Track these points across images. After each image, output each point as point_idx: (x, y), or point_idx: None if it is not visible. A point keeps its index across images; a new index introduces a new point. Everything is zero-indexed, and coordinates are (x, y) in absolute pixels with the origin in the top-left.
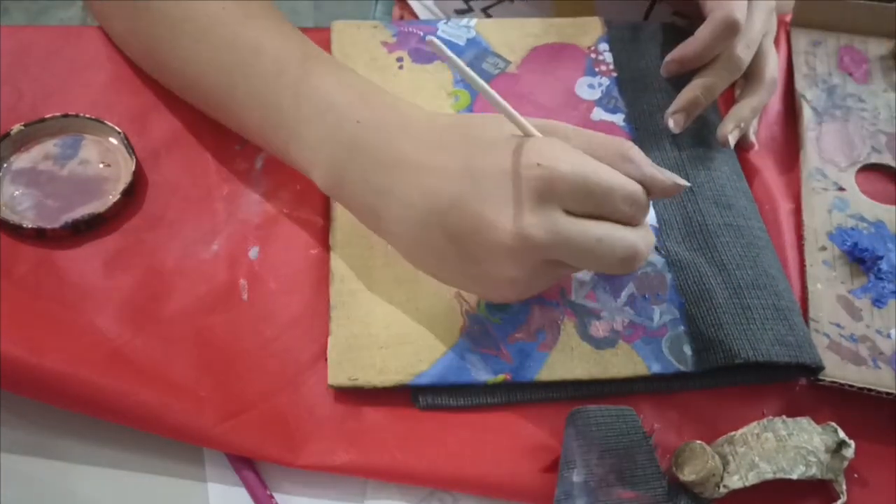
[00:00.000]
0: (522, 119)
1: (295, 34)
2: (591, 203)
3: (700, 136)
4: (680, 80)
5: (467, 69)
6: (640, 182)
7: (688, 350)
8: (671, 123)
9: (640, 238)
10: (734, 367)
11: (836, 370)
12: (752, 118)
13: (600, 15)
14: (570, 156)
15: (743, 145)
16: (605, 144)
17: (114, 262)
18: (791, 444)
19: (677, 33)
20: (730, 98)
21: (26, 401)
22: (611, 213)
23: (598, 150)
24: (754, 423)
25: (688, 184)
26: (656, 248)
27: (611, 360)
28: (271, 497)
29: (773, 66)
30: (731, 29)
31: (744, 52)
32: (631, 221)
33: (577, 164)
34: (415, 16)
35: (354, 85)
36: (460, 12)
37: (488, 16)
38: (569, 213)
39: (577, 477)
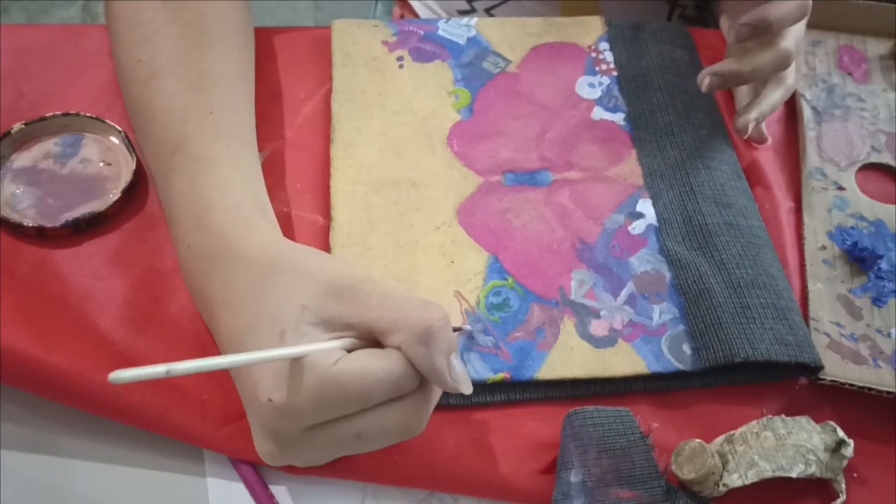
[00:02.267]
0: (267, 354)
1: (185, 106)
2: (346, 408)
3: (700, 136)
4: (680, 81)
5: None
6: (426, 373)
7: (687, 349)
8: (705, 82)
9: (411, 411)
10: (734, 366)
11: (836, 369)
12: (768, 114)
13: (605, 15)
14: (309, 384)
15: (756, 138)
16: (406, 320)
17: (114, 261)
18: (790, 443)
19: (678, 33)
20: (728, 95)
21: (26, 397)
22: (376, 404)
23: (397, 324)
24: (754, 422)
25: (469, 391)
26: (657, 249)
27: (610, 359)
28: (271, 497)
29: (794, 72)
30: (787, 60)
31: (793, 48)
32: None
33: (313, 392)
34: (415, 15)
35: (201, 193)
36: (463, 13)
37: (491, 16)
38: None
39: (574, 477)
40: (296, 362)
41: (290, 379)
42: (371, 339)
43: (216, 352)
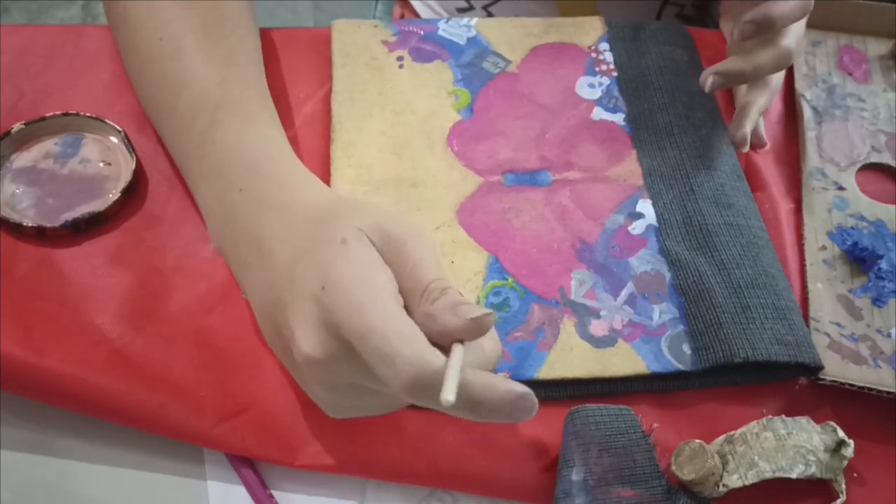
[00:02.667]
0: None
1: (221, 75)
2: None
3: (700, 136)
4: (680, 81)
5: None
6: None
7: (687, 349)
8: (708, 82)
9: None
10: (733, 366)
11: (837, 369)
12: (758, 119)
13: (602, 15)
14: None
15: (756, 144)
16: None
17: (114, 260)
18: (790, 444)
19: (678, 33)
20: (728, 95)
21: (26, 399)
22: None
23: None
24: (754, 423)
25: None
26: (658, 249)
27: (610, 359)
28: (271, 497)
29: (781, 74)
30: (788, 58)
31: (794, 46)
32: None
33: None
34: (416, 15)
35: (253, 147)
36: (462, 10)
37: (489, 14)
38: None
39: (575, 475)
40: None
41: (360, 277)
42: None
43: (215, 351)
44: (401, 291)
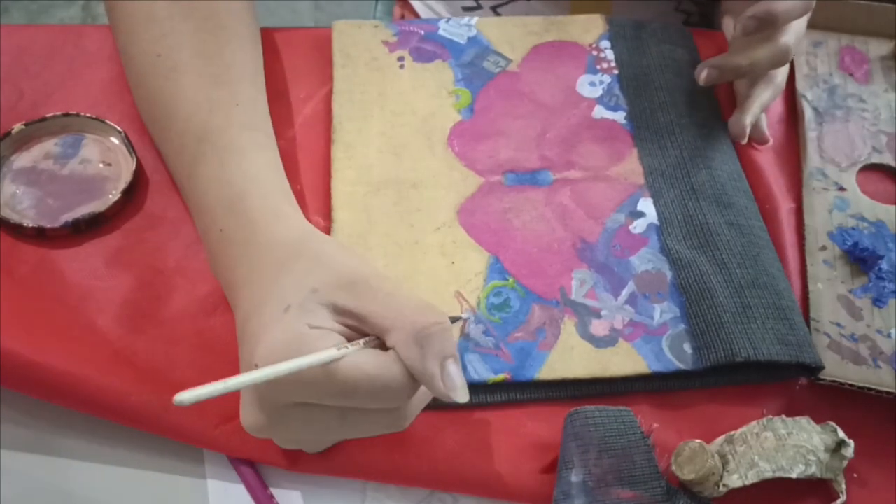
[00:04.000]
0: (290, 366)
1: (209, 100)
2: (332, 397)
3: (700, 135)
4: (681, 80)
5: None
6: (416, 374)
7: (688, 349)
8: (703, 74)
9: (397, 410)
10: (734, 365)
11: (837, 369)
12: (759, 115)
13: (617, 15)
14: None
15: (757, 139)
16: (404, 319)
17: (114, 261)
18: (790, 444)
19: (678, 32)
20: (727, 88)
21: (26, 398)
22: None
23: (396, 322)
24: (754, 423)
25: (463, 399)
26: (659, 249)
27: (611, 359)
28: (272, 497)
29: (785, 71)
30: (786, 55)
31: (793, 44)
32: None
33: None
34: (416, 15)
35: (233, 181)
36: (468, 9)
37: (497, 14)
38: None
39: (575, 477)
40: (293, 340)
41: (284, 354)
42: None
43: (216, 352)
44: (375, 327)
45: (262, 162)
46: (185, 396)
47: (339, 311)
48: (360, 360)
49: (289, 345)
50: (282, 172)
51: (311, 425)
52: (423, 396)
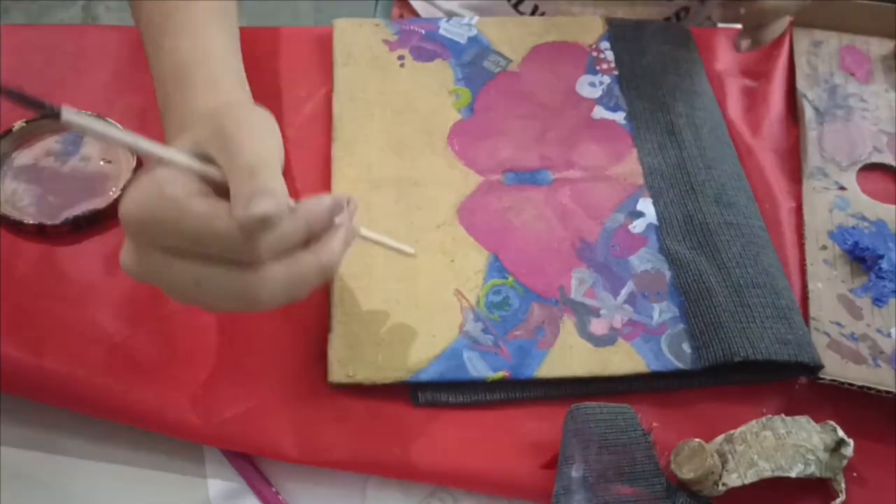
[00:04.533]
0: (151, 146)
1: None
2: (179, 238)
3: (700, 135)
4: (681, 80)
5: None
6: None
7: (687, 348)
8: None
9: (244, 279)
10: (733, 365)
11: (837, 369)
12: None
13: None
14: (146, 193)
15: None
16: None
17: (114, 258)
18: (790, 443)
19: (679, 32)
20: (727, 88)
21: (26, 399)
22: (216, 254)
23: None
24: (753, 422)
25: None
26: (658, 249)
27: (610, 358)
28: (277, 494)
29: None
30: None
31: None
32: (243, 261)
33: (143, 204)
34: (414, 15)
35: (184, 52)
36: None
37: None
38: (170, 250)
39: (575, 472)
40: (156, 174)
41: (144, 186)
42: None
43: (215, 349)
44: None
45: (218, 39)
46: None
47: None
48: (208, 203)
49: (150, 174)
50: (236, 52)
51: (169, 277)
52: (274, 274)
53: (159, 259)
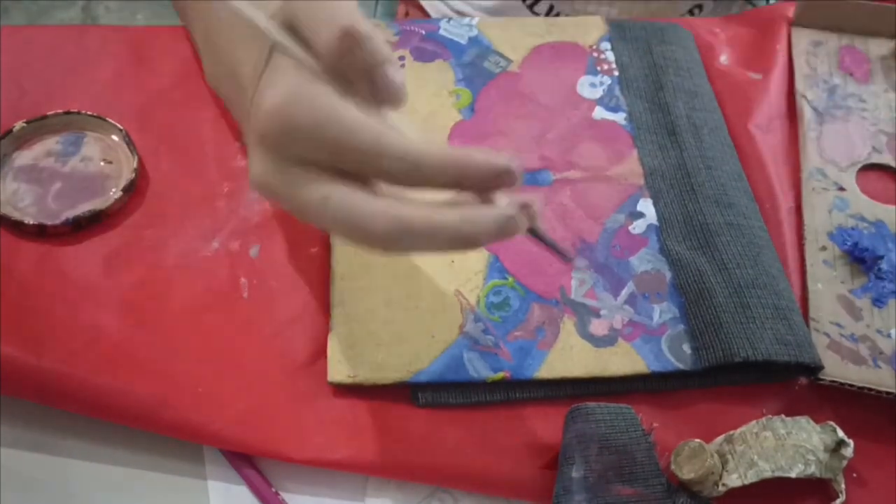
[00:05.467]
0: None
1: None
2: (325, 152)
3: (700, 136)
4: (681, 80)
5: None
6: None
7: (687, 349)
8: None
9: (374, 203)
10: (733, 365)
11: (836, 369)
12: None
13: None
14: (297, 100)
15: None
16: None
17: (115, 259)
18: (790, 443)
19: (679, 32)
20: (727, 89)
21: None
22: (352, 168)
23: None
24: (753, 422)
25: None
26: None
27: (610, 359)
28: (277, 494)
29: None
30: None
31: None
32: (400, 182)
33: (294, 112)
34: (423, 13)
35: None
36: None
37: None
38: (305, 161)
39: (575, 473)
40: (298, 83)
41: (296, 96)
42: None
43: (215, 349)
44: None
45: None
46: None
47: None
48: (358, 115)
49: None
50: None
51: (298, 189)
52: (404, 209)
53: (295, 172)
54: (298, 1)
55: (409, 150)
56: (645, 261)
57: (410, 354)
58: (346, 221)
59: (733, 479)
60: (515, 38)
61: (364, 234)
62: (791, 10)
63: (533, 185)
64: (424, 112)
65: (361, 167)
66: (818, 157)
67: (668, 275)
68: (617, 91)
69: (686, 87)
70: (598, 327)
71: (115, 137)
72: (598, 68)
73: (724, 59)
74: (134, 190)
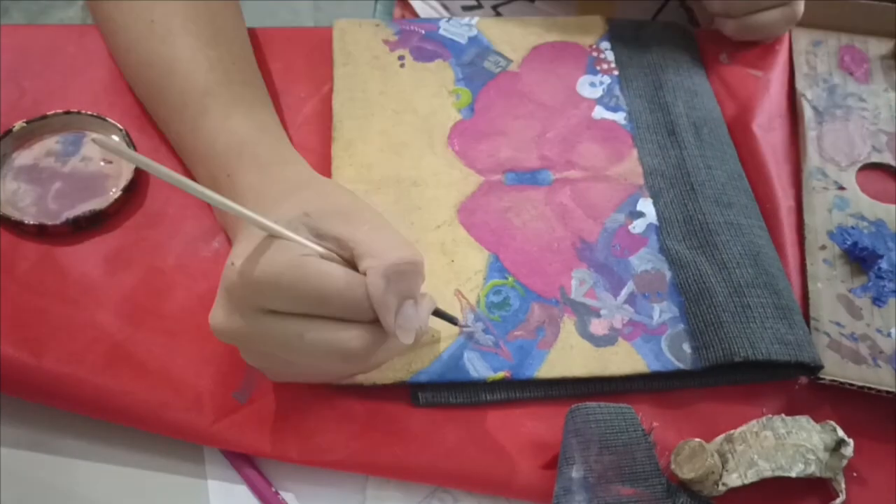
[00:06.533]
0: (258, 218)
1: (208, 58)
2: (298, 302)
3: (700, 135)
4: (681, 80)
5: (173, 176)
6: (375, 304)
7: (687, 348)
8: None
9: (358, 337)
10: (733, 365)
11: (836, 369)
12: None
13: (622, 15)
14: (274, 260)
15: None
16: (381, 251)
17: (115, 258)
18: (790, 443)
19: (679, 32)
20: (727, 89)
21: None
22: (328, 314)
23: (372, 251)
24: (753, 422)
25: (408, 341)
26: (658, 248)
27: (610, 358)
28: (277, 494)
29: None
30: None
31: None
32: (354, 318)
33: (274, 269)
34: (415, 15)
35: (238, 130)
36: (468, 9)
37: (498, 13)
38: (276, 311)
39: (575, 473)
40: (271, 240)
41: (260, 252)
42: (353, 264)
43: (215, 349)
44: (354, 253)
45: (265, 113)
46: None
47: (320, 236)
48: (331, 269)
49: (264, 239)
50: (282, 125)
51: (271, 336)
52: (384, 339)
53: (266, 320)
54: (359, 232)
55: (354, 299)
56: (645, 260)
57: (410, 354)
58: (326, 349)
59: (733, 479)
60: (515, 37)
61: (345, 355)
62: None
63: (533, 185)
64: (424, 112)
65: (342, 313)
66: (818, 157)
67: (668, 274)
68: (617, 90)
69: (686, 86)
70: (598, 327)
71: (115, 137)
72: (598, 68)
73: (724, 57)
74: (134, 190)
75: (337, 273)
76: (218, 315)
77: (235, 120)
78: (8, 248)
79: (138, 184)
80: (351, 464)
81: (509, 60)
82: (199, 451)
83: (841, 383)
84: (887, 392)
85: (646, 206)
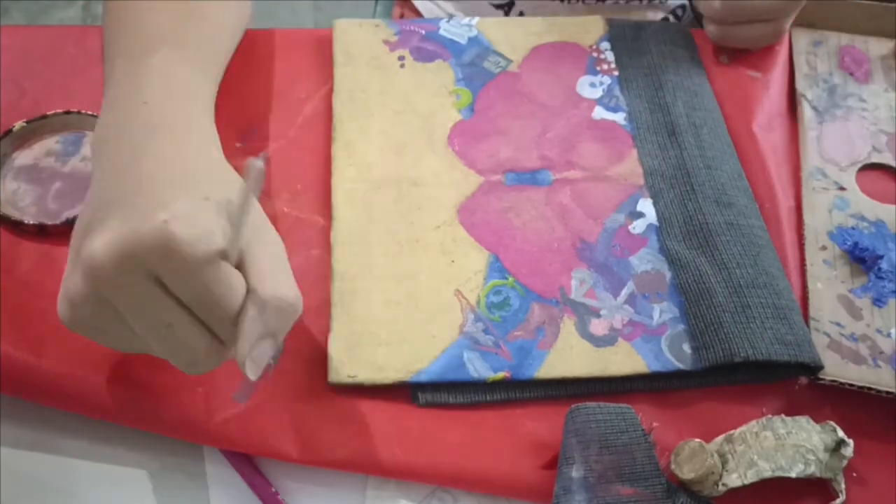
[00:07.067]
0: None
1: (171, 19)
2: (195, 295)
3: (700, 136)
4: (681, 80)
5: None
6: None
7: (687, 348)
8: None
9: (212, 350)
10: (733, 365)
11: (836, 369)
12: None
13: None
14: (214, 238)
15: None
16: (270, 284)
17: None
18: (790, 443)
19: (679, 32)
20: (727, 89)
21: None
22: (203, 317)
23: (260, 279)
24: (753, 422)
25: (251, 377)
26: (659, 249)
27: (610, 359)
28: (276, 494)
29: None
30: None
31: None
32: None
33: (208, 248)
34: (416, 14)
35: (180, 83)
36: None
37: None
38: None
39: (575, 473)
40: (215, 214)
41: (206, 220)
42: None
43: None
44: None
45: (210, 90)
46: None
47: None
48: (239, 282)
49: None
50: (213, 93)
51: (145, 306)
52: (230, 351)
53: (152, 287)
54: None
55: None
56: (645, 260)
57: (410, 354)
58: (183, 346)
59: (733, 479)
60: (515, 38)
61: (191, 360)
62: None
63: (533, 185)
64: (424, 112)
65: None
66: (818, 157)
67: (668, 274)
68: (617, 91)
69: (686, 87)
70: (598, 327)
71: None
72: (598, 68)
73: (724, 58)
74: None
75: (241, 290)
76: (73, 282)
77: (182, 75)
78: (8, 248)
79: None
80: (351, 464)
81: (509, 61)
82: (199, 451)
83: (841, 384)
84: (887, 392)
85: (646, 206)
